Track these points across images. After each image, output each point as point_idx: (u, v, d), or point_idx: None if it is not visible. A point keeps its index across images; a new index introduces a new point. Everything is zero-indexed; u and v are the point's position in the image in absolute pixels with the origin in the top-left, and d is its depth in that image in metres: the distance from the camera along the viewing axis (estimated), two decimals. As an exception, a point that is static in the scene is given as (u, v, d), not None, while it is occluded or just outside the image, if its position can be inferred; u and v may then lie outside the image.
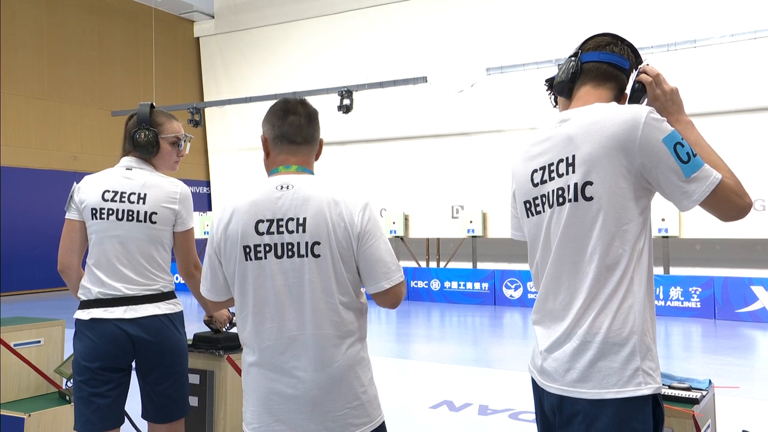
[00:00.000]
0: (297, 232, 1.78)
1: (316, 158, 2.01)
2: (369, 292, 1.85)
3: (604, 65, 1.71)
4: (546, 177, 1.67)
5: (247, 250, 1.81)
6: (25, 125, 13.14)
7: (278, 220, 1.80)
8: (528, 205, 1.73)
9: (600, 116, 1.59)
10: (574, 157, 1.60)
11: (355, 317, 1.84)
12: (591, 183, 1.56)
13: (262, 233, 1.81)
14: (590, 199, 1.57)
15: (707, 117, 10.20)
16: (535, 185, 1.70)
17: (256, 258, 1.81)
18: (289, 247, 1.79)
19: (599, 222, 1.56)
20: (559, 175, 1.63)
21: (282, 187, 1.84)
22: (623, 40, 1.75)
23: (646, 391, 1.52)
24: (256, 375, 1.84)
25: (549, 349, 1.64)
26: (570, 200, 1.60)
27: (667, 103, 1.69)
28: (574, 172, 1.59)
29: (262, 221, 1.81)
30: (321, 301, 1.78)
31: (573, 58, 1.75)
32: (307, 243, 1.78)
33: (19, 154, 12.92)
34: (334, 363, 1.78)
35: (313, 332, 1.78)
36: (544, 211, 1.68)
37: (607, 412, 1.53)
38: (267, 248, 1.80)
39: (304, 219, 1.79)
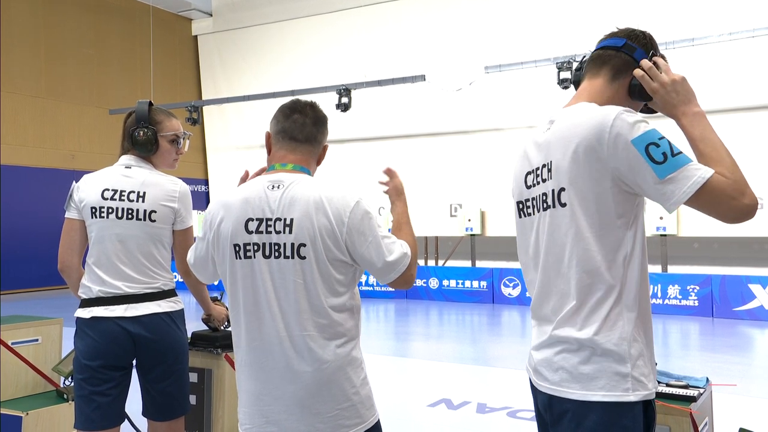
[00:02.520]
0: (284, 232, 1.77)
1: (318, 163, 1.98)
2: (380, 283, 1.82)
3: (598, 51, 1.71)
4: (534, 181, 1.66)
5: (237, 248, 1.80)
6: (22, 124, 13.11)
7: (267, 220, 1.79)
8: (520, 206, 1.74)
9: (573, 121, 1.56)
10: (551, 162, 1.59)
11: (346, 318, 1.80)
12: (564, 189, 1.55)
13: (251, 232, 1.79)
14: (564, 205, 1.56)
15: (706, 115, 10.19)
16: (528, 187, 1.70)
17: (245, 257, 1.80)
18: (276, 247, 1.77)
19: (574, 228, 1.54)
20: (543, 180, 1.62)
21: (273, 186, 1.82)
22: (628, 30, 1.71)
23: (632, 398, 1.50)
24: (247, 375, 1.83)
25: (540, 349, 1.65)
26: (550, 206, 1.59)
27: (669, 95, 1.60)
28: (551, 178, 1.58)
29: (252, 220, 1.80)
30: (307, 303, 1.76)
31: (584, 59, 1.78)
32: (293, 244, 1.76)
33: (16, 152, 12.89)
34: (323, 365, 1.75)
35: (299, 334, 1.75)
36: (533, 214, 1.68)
37: (595, 410, 1.52)
38: (255, 247, 1.79)
39: (291, 220, 1.76)
